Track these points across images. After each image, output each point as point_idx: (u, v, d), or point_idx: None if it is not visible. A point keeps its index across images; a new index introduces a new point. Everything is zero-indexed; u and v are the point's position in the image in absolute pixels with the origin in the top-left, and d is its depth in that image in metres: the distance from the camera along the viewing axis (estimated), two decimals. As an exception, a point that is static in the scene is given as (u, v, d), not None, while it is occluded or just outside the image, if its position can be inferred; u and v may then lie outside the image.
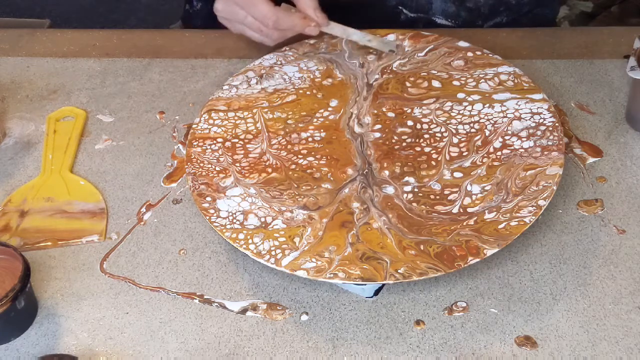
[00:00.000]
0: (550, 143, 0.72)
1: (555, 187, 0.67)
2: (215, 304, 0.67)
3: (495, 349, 0.62)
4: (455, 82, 0.81)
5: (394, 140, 0.75)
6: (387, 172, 0.72)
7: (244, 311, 0.66)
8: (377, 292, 0.67)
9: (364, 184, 0.71)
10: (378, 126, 0.77)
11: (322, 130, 0.77)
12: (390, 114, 0.78)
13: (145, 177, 0.79)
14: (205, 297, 0.67)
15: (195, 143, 0.76)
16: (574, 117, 0.82)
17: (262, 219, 0.68)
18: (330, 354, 0.63)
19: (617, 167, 0.76)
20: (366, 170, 0.72)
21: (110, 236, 0.74)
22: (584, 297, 0.65)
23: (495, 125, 0.75)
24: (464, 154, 0.73)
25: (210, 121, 0.79)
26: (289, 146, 0.76)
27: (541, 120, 0.75)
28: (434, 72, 0.82)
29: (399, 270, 0.62)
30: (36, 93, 0.91)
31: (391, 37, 0.87)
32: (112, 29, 1.00)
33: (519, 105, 0.77)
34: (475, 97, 0.79)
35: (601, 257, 0.68)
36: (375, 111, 0.79)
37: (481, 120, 0.76)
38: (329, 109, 0.80)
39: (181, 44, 0.97)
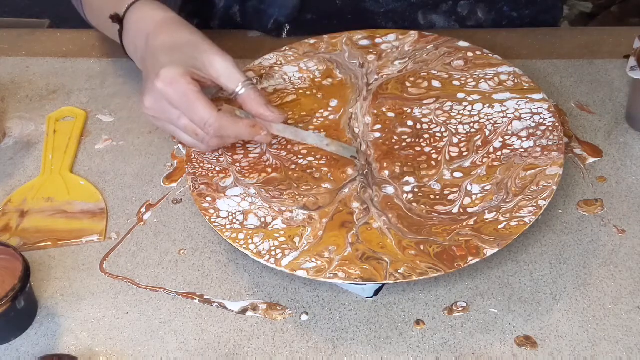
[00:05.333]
0: (550, 143, 0.72)
1: (555, 187, 0.67)
2: (215, 304, 0.67)
3: (495, 349, 0.62)
4: (455, 82, 0.81)
5: (394, 140, 0.75)
6: (387, 172, 0.72)
7: (244, 311, 0.66)
8: (377, 292, 0.67)
9: (364, 184, 0.71)
10: (378, 126, 0.77)
11: (322, 130, 0.77)
12: (390, 114, 0.78)
13: (145, 177, 0.79)
14: (205, 297, 0.67)
15: (195, 143, 0.76)
16: (574, 117, 0.82)
17: (262, 219, 0.68)
18: (330, 354, 0.63)
19: (617, 167, 0.76)
20: (366, 170, 0.72)
21: (110, 236, 0.74)
22: (584, 297, 0.65)
23: (495, 125, 0.75)
24: (464, 154, 0.73)
25: (210, 121, 0.79)
26: (289, 146, 0.76)
27: (541, 120, 0.75)
28: (434, 72, 0.82)
29: (399, 270, 0.62)
30: (36, 93, 0.91)
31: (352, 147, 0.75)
32: (112, 29, 1.00)
33: (519, 105, 0.77)
34: (475, 97, 0.79)
35: (601, 257, 0.68)
36: (375, 111, 0.79)
37: (481, 120, 0.76)
38: (329, 109, 0.80)
39: (181, 44, 0.96)
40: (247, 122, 0.71)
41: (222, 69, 0.72)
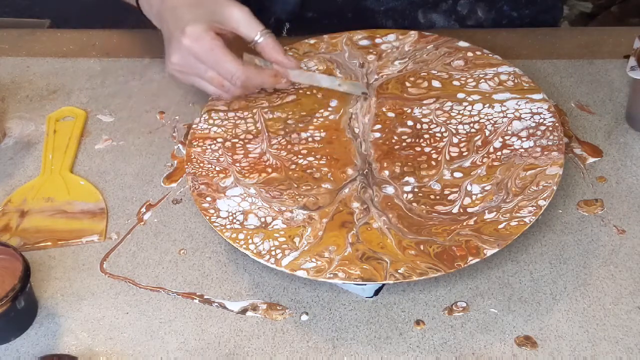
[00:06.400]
0: (550, 143, 0.72)
1: (555, 187, 0.67)
2: (215, 304, 0.67)
3: (495, 349, 0.62)
4: (455, 82, 0.81)
5: (394, 140, 0.75)
6: (387, 172, 0.72)
7: (244, 311, 0.66)
8: (377, 292, 0.67)
9: (364, 184, 0.71)
10: (378, 126, 0.77)
11: (322, 130, 0.77)
12: (390, 114, 0.78)
13: (145, 177, 0.79)
14: (205, 297, 0.68)
15: (195, 143, 0.76)
16: (574, 117, 0.82)
17: (262, 219, 0.68)
18: (330, 354, 0.63)
19: (617, 167, 0.76)
20: (366, 170, 0.72)
21: (110, 236, 0.74)
22: (584, 297, 0.65)
23: (495, 125, 0.75)
24: (464, 154, 0.73)
25: (210, 121, 0.79)
26: (289, 146, 0.76)
27: (541, 120, 0.75)
28: (434, 72, 0.82)
29: (399, 270, 0.62)
30: (36, 93, 0.91)
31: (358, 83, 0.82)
32: (112, 29, 1.00)
33: (519, 105, 0.77)
34: (475, 97, 0.79)
35: (601, 257, 0.68)
36: (375, 111, 0.79)
37: (481, 120, 0.76)
38: (329, 108, 0.80)
39: (181, 44, 0.96)
40: (269, 72, 0.78)
41: (241, 19, 0.76)
